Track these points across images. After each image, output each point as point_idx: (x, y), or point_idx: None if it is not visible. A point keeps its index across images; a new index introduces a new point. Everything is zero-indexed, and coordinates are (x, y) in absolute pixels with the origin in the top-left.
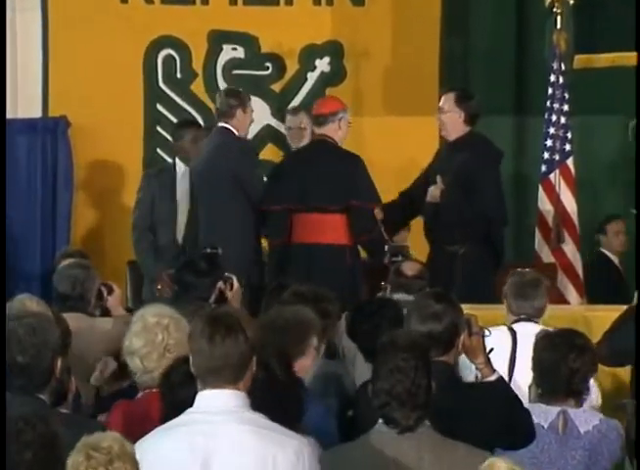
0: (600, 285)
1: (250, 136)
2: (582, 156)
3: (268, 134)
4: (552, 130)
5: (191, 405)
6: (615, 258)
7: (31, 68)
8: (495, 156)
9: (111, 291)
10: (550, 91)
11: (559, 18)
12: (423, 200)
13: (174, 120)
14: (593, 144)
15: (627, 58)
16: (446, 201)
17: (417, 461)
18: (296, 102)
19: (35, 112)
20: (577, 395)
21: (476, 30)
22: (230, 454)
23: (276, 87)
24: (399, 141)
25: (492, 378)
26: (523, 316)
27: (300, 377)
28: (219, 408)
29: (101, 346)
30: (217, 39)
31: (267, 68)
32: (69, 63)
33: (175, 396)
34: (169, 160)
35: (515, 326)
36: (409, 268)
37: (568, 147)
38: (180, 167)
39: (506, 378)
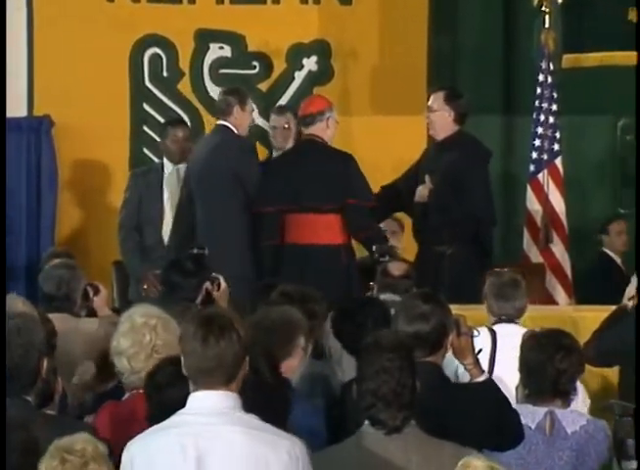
0: (602, 285)
1: None
2: (571, 155)
3: (255, 134)
4: (540, 130)
5: (177, 407)
6: (617, 258)
7: (16, 66)
8: (484, 155)
9: (97, 291)
10: (538, 91)
11: (547, 17)
12: (408, 196)
13: (161, 120)
14: (581, 144)
15: (616, 57)
16: (435, 201)
17: (405, 462)
18: (283, 101)
19: (20, 111)
20: (564, 395)
21: (464, 29)
22: (223, 456)
23: (263, 86)
24: (387, 140)
25: (481, 379)
26: (503, 317)
27: (287, 377)
28: (211, 409)
29: (87, 346)
30: (204, 38)
31: (254, 67)
32: (55, 61)
33: (162, 397)
34: (156, 159)
35: (495, 327)
36: (396, 268)
37: (556, 147)
38: (168, 167)
39: None
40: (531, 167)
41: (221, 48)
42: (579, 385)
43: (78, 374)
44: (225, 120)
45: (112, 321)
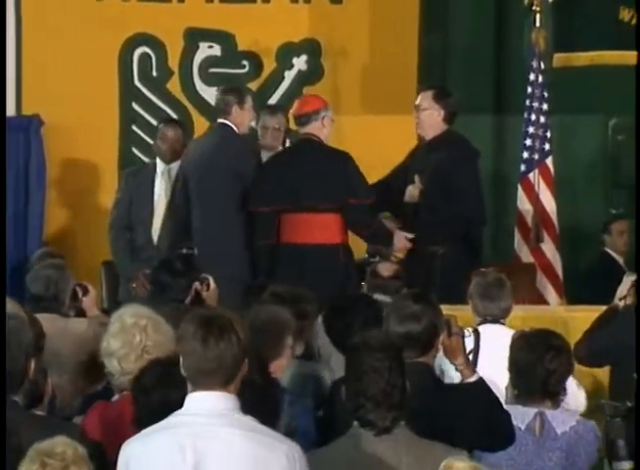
0: (605, 285)
1: None
2: (562, 155)
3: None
4: (531, 129)
5: (164, 409)
6: (619, 258)
7: (5, 65)
8: (473, 155)
9: (85, 291)
10: (529, 90)
11: (538, 16)
12: (396, 196)
13: (150, 119)
14: (572, 143)
15: (607, 56)
16: (425, 201)
17: (395, 463)
18: (273, 100)
19: (9, 110)
20: (554, 396)
21: (454, 28)
22: (222, 458)
23: (253, 86)
24: (378, 139)
25: (472, 379)
26: (488, 318)
27: (277, 378)
28: (210, 411)
29: (75, 347)
30: (193, 37)
31: (244, 66)
32: (44, 60)
33: (148, 399)
34: (145, 159)
35: (480, 328)
36: (385, 269)
37: (547, 146)
38: (160, 167)
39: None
40: (522, 167)
41: (211, 47)
42: (578, 387)
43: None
44: (225, 119)
45: (101, 322)
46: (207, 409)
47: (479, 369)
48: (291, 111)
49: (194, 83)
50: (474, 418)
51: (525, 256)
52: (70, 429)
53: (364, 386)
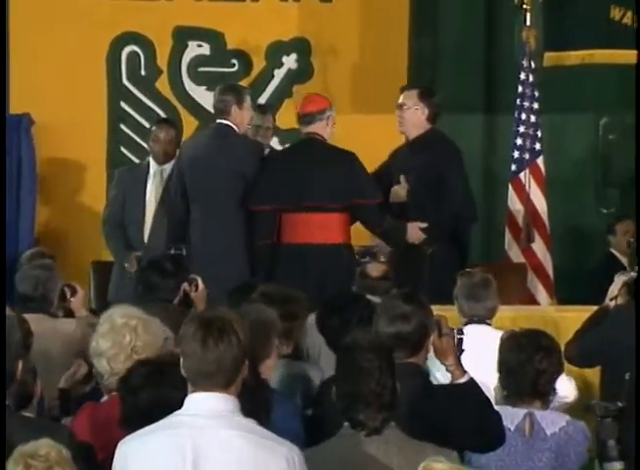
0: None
1: None
2: (552, 154)
3: None
4: (522, 129)
5: (151, 409)
6: (623, 259)
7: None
8: (459, 153)
9: (74, 292)
10: (520, 89)
11: (528, 15)
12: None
13: (138, 118)
14: (563, 142)
15: (598, 55)
16: (413, 200)
17: (386, 464)
18: (262, 99)
19: None
20: (544, 396)
21: (445, 27)
22: (222, 460)
23: (242, 84)
24: (367, 139)
25: (463, 380)
26: (474, 318)
27: (266, 379)
28: (210, 412)
29: (63, 347)
30: (182, 35)
31: (233, 64)
32: (32, 59)
33: (135, 400)
34: (134, 158)
35: (465, 328)
36: (374, 270)
37: (538, 146)
38: (153, 167)
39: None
40: (513, 167)
41: (200, 46)
42: (567, 379)
43: (72, 371)
44: (225, 120)
45: (89, 322)
46: (207, 410)
47: None
48: (298, 109)
49: (183, 82)
50: (464, 419)
51: (516, 256)
52: (59, 431)
53: (355, 386)
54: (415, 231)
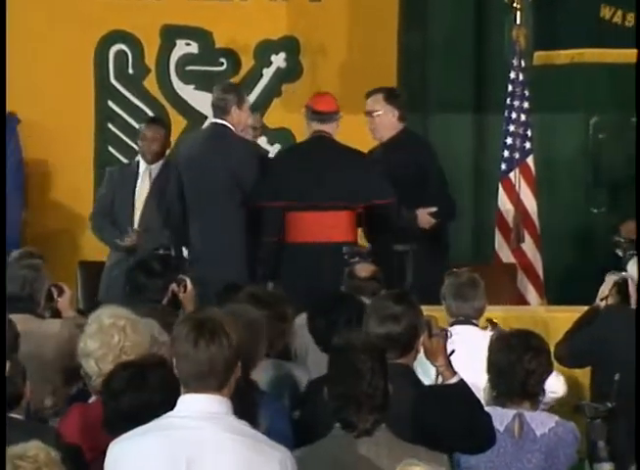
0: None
1: None
2: (542, 154)
3: None
4: (512, 128)
5: (134, 413)
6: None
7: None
8: (432, 150)
9: (61, 292)
10: (510, 88)
11: (518, 13)
12: None
13: (126, 117)
14: (553, 142)
15: (587, 54)
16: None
17: (376, 465)
18: (251, 98)
19: None
20: (533, 397)
21: (434, 26)
22: (214, 463)
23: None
24: (356, 138)
25: (453, 380)
26: (461, 318)
27: (254, 380)
28: (201, 414)
29: (50, 348)
30: (170, 34)
31: (222, 63)
32: (19, 57)
33: (117, 403)
34: (122, 157)
35: (452, 328)
36: (362, 270)
37: (528, 145)
38: (142, 167)
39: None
40: (503, 166)
41: (188, 44)
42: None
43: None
44: (223, 120)
45: (76, 323)
46: (199, 412)
47: None
48: (313, 105)
49: (171, 81)
50: (454, 420)
51: (506, 256)
52: (46, 432)
53: (346, 387)
54: (425, 217)
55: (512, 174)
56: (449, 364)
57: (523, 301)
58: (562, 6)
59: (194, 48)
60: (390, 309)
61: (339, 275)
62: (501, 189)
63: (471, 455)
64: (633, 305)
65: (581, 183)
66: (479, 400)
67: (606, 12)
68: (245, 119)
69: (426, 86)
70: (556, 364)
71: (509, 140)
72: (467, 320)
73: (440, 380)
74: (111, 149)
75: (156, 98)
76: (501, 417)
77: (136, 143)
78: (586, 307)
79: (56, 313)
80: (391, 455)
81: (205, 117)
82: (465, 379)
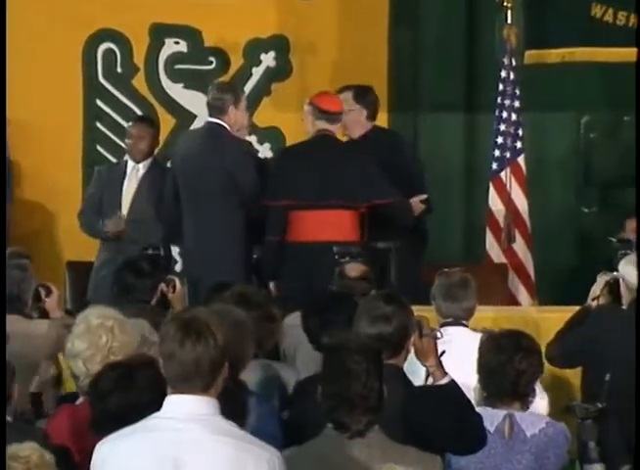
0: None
1: None
2: (534, 153)
3: None
4: (503, 127)
5: (121, 414)
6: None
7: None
8: (406, 144)
9: (49, 292)
10: (501, 87)
11: (509, 12)
12: None
13: (115, 116)
14: (544, 141)
15: (578, 53)
16: None
17: (367, 467)
18: None
19: None
20: (523, 397)
21: (425, 25)
22: (201, 465)
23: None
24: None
25: (443, 381)
26: (450, 320)
27: (243, 380)
28: (188, 415)
29: (38, 348)
30: (159, 33)
31: (211, 62)
32: (6, 56)
33: (105, 404)
34: (110, 157)
35: (441, 330)
36: (352, 270)
37: (519, 144)
38: (129, 166)
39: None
40: (494, 165)
41: (177, 43)
42: (541, 392)
43: (39, 374)
44: (220, 119)
45: (64, 323)
46: (185, 413)
47: None
48: (320, 104)
49: (160, 80)
50: (445, 421)
51: (497, 256)
52: (34, 433)
53: (340, 388)
54: (417, 204)
55: (503, 174)
56: (440, 365)
57: (514, 301)
58: (553, 5)
59: (183, 47)
60: (381, 310)
61: None
62: (492, 188)
63: (461, 456)
64: (625, 306)
65: (573, 183)
66: (469, 401)
67: (597, 10)
68: (241, 119)
69: (416, 85)
70: (547, 365)
71: (500, 139)
72: (456, 321)
73: (431, 380)
74: (99, 148)
75: (144, 97)
76: (491, 418)
77: (124, 142)
78: (578, 308)
79: (44, 314)
80: (384, 457)
81: (195, 116)
82: (455, 380)
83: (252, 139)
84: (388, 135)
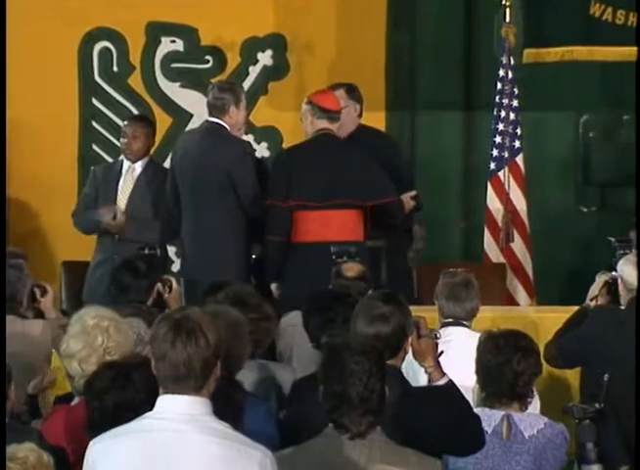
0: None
1: None
2: (532, 152)
3: None
4: (501, 126)
5: (117, 413)
6: None
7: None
8: (393, 142)
9: (44, 292)
10: (499, 86)
11: (508, 11)
12: None
13: (111, 116)
14: (543, 140)
15: (577, 52)
16: None
17: (367, 468)
18: None
19: None
20: (522, 398)
21: (423, 23)
22: (193, 466)
23: (216, 81)
24: None
25: (441, 382)
26: (450, 320)
27: (239, 381)
28: (180, 415)
29: (33, 349)
30: (155, 31)
31: (207, 61)
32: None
33: (101, 403)
34: (106, 156)
35: (442, 330)
36: (349, 269)
37: (517, 144)
38: (125, 165)
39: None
40: (492, 165)
41: (173, 42)
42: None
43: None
44: (220, 119)
45: (59, 323)
46: (177, 414)
47: None
48: (320, 103)
49: (156, 79)
50: (442, 422)
51: (495, 255)
52: (29, 434)
53: (341, 388)
54: (408, 202)
55: (501, 173)
56: (438, 365)
57: (512, 301)
58: (551, 3)
59: (179, 45)
60: (379, 310)
61: None
62: (490, 188)
63: (459, 457)
64: (623, 306)
65: (571, 182)
66: (467, 402)
67: (596, 9)
68: (242, 119)
69: (414, 84)
70: (545, 365)
71: (498, 139)
72: (457, 322)
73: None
74: (95, 147)
75: (141, 96)
76: (489, 419)
77: (120, 141)
78: (576, 308)
79: (39, 314)
80: (384, 459)
81: (191, 115)
82: (454, 380)
83: (249, 138)
84: (375, 133)
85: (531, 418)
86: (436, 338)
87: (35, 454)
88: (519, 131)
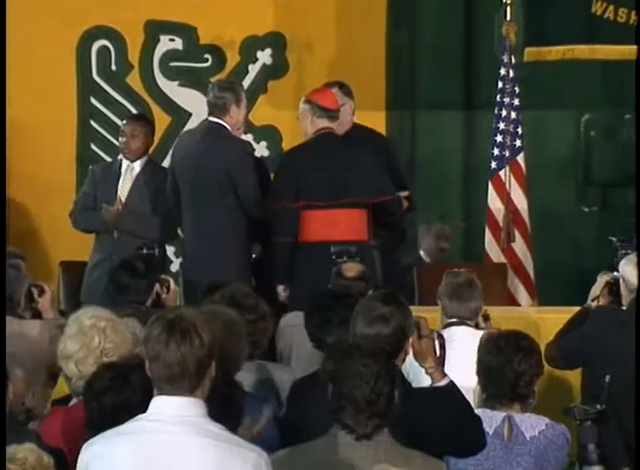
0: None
1: None
2: (533, 151)
3: None
4: (502, 125)
5: (117, 414)
6: None
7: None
8: (387, 141)
9: (42, 292)
10: (500, 85)
11: (508, 9)
12: None
13: (109, 115)
14: (544, 139)
15: (578, 50)
16: None
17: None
18: None
19: None
20: (523, 399)
21: (423, 22)
22: (186, 468)
23: (216, 80)
24: None
25: (442, 383)
26: (454, 320)
27: (239, 382)
28: (173, 417)
29: (30, 349)
30: (154, 30)
31: (206, 59)
32: None
33: (100, 404)
34: (104, 155)
35: (446, 330)
36: (349, 269)
37: (518, 143)
38: (124, 165)
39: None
40: (493, 164)
41: (172, 40)
42: None
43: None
44: (220, 119)
45: (57, 324)
46: (171, 415)
47: None
48: (320, 102)
49: (154, 77)
50: (443, 423)
51: (496, 255)
52: (26, 435)
53: (347, 390)
54: (403, 202)
55: (502, 172)
56: (438, 366)
57: (513, 301)
58: (552, 1)
59: (178, 44)
60: (379, 310)
61: None
62: (491, 187)
63: (460, 458)
64: (625, 306)
65: (573, 181)
66: (468, 403)
67: (597, 7)
68: (243, 118)
69: (415, 83)
70: (547, 366)
71: (499, 138)
72: (461, 322)
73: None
74: (93, 147)
75: (139, 95)
76: (490, 420)
77: (118, 140)
78: (578, 308)
79: (36, 314)
80: (389, 460)
81: (190, 115)
82: (456, 381)
83: (249, 137)
84: (369, 132)
85: (533, 419)
86: (442, 339)
87: (35, 455)
88: (520, 130)
